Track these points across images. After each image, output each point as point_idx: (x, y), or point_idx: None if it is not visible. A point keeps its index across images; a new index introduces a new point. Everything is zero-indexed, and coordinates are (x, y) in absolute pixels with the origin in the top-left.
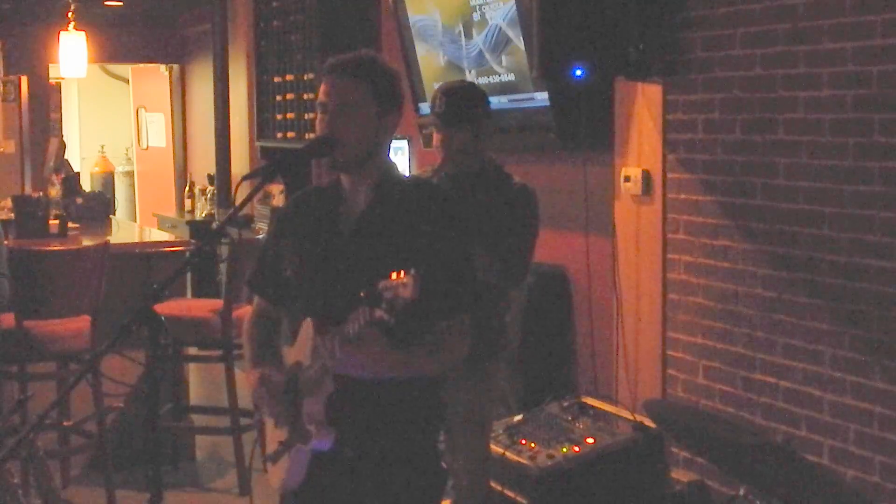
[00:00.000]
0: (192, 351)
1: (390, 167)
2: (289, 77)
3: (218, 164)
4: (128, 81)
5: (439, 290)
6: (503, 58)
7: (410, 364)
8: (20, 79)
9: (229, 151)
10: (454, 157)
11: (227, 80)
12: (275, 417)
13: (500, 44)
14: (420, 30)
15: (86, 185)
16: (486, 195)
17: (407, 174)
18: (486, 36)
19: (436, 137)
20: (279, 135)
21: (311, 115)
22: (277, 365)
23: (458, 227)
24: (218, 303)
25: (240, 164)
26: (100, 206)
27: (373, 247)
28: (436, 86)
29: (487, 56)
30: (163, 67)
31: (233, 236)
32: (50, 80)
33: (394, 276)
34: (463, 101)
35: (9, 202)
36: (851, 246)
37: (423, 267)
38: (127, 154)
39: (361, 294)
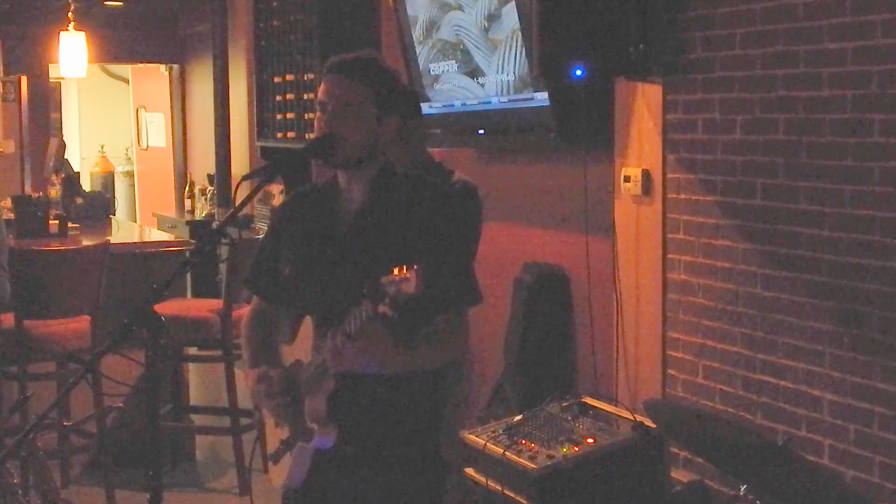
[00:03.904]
0: (192, 351)
1: (388, 165)
2: (289, 77)
3: (218, 164)
4: (128, 81)
5: (440, 285)
6: (502, 57)
7: (410, 359)
8: (20, 79)
9: (229, 151)
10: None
11: (227, 80)
12: (275, 415)
13: (499, 43)
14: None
15: (86, 185)
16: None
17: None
18: (485, 34)
19: None
20: (279, 135)
21: (311, 115)
22: (276, 364)
23: (455, 220)
24: (218, 303)
25: (240, 164)
26: (100, 206)
27: (371, 243)
28: (437, 86)
29: (487, 55)
30: (163, 67)
31: (233, 236)
32: (50, 80)
33: (397, 271)
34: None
35: (9, 202)
36: (851, 246)
37: (423, 262)
38: (127, 154)
39: (364, 290)
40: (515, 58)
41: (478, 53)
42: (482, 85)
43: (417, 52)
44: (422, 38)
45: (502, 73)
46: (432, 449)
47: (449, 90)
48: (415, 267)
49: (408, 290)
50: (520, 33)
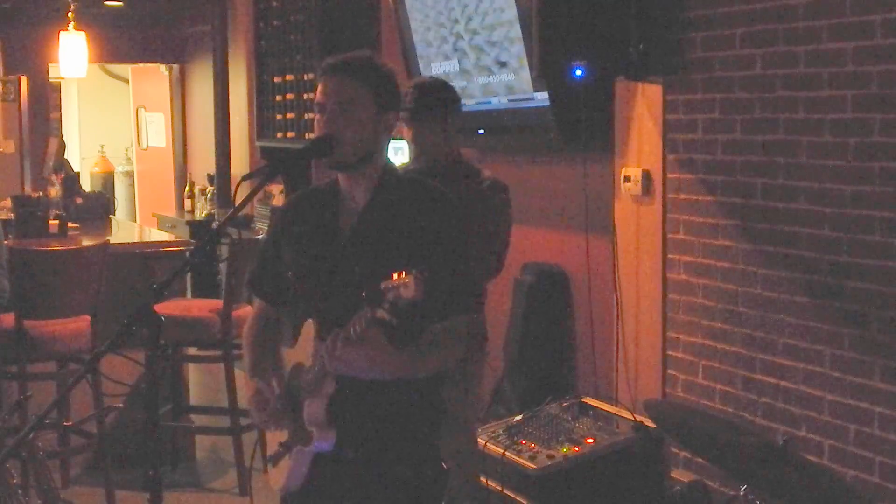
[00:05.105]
0: (192, 351)
1: (389, 167)
2: (289, 77)
3: (218, 164)
4: (128, 81)
5: (440, 291)
6: (502, 58)
7: (410, 364)
8: (20, 79)
9: (229, 151)
10: (422, 151)
11: (227, 80)
12: (270, 431)
13: (499, 43)
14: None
15: (86, 185)
16: (456, 190)
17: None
18: (486, 35)
19: (405, 132)
20: (279, 135)
21: (311, 115)
22: (277, 370)
23: (457, 226)
24: (218, 303)
25: (240, 164)
26: (100, 206)
27: (372, 247)
28: None
29: (487, 55)
30: (163, 67)
31: (233, 236)
32: (50, 80)
33: (395, 276)
34: (430, 97)
35: (9, 202)
36: (851, 246)
37: (423, 267)
38: (127, 154)
39: (363, 294)
40: (511, 50)
41: (476, 49)
42: (483, 84)
43: (418, 51)
44: (422, 38)
45: (502, 69)
46: (431, 453)
47: None
48: (414, 272)
49: (407, 296)
50: (517, 25)
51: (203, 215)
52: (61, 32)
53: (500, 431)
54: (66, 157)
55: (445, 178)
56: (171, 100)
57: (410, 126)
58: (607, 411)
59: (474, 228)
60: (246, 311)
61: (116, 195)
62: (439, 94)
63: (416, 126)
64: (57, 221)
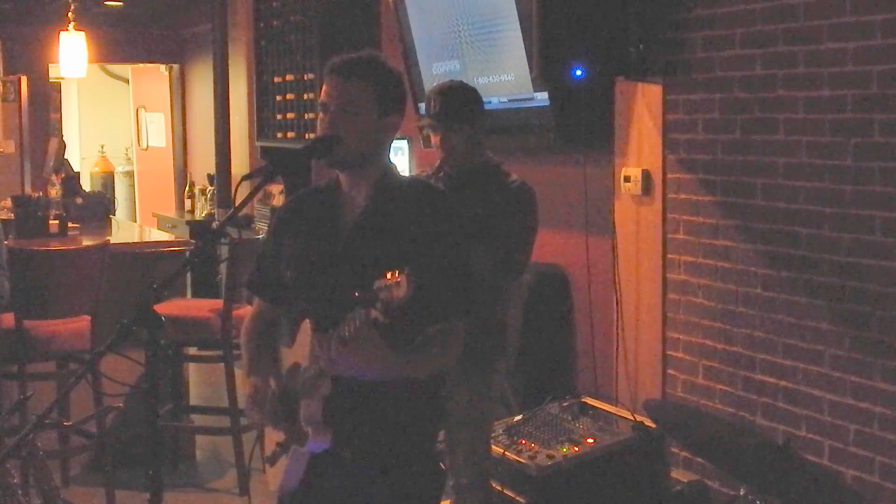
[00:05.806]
0: (192, 351)
1: (390, 168)
2: (289, 77)
3: (218, 164)
4: (128, 81)
5: (436, 293)
6: (502, 57)
7: (405, 366)
8: (20, 79)
9: (229, 151)
10: (452, 156)
11: (227, 80)
12: (267, 427)
13: (499, 43)
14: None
15: (86, 185)
16: (484, 193)
17: (407, 174)
18: (485, 35)
19: (433, 138)
20: (279, 135)
21: (311, 115)
22: (275, 369)
23: (456, 229)
24: (218, 303)
25: (240, 164)
26: (100, 206)
27: (371, 248)
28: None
29: (487, 55)
30: (163, 67)
31: (233, 236)
32: (50, 80)
33: (388, 275)
34: (457, 101)
35: (9, 202)
36: (851, 246)
37: (420, 268)
38: (127, 154)
39: (356, 295)
40: (511, 50)
41: (476, 48)
42: (483, 84)
43: (418, 51)
44: (422, 38)
45: (502, 69)
46: (428, 453)
47: None
48: (406, 271)
49: (398, 295)
50: (517, 25)
51: (203, 215)
52: (61, 32)
53: (500, 431)
54: (66, 157)
55: (474, 181)
56: (171, 100)
57: (437, 132)
58: (607, 411)
59: (496, 229)
60: (246, 311)
61: (116, 195)
62: (464, 98)
63: (444, 131)
64: (57, 221)
